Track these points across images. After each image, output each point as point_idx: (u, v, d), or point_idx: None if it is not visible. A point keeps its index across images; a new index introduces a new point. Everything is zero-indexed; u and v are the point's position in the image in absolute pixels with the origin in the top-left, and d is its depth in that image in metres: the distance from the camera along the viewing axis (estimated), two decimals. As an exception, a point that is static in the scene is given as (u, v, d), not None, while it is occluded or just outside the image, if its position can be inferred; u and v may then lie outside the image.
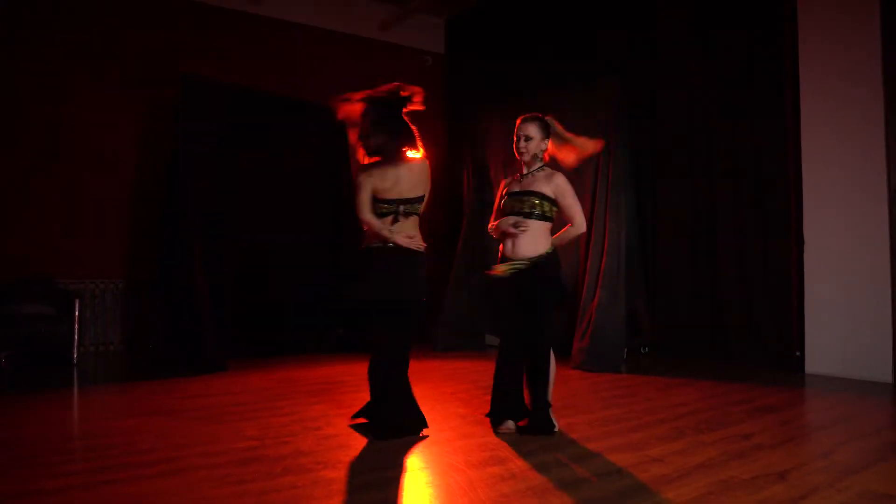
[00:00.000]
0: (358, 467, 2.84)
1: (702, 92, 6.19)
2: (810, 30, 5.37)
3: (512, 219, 3.41)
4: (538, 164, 3.51)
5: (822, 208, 5.28)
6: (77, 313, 5.94)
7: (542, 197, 3.41)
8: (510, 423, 3.36)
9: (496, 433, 3.34)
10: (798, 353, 5.45)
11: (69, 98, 6.62)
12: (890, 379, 4.86)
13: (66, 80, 6.62)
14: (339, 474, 2.74)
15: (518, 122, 3.52)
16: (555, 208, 3.45)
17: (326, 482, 2.63)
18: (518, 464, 2.84)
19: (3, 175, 6.32)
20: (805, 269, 5.37)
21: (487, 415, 3.50)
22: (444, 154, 8.13)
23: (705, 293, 6.16)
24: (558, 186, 3.43)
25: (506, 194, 3.56)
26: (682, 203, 6.33)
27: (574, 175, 6.26)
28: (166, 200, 6.33)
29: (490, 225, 3.61)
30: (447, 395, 4.42)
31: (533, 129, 3.47)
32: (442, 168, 8.08)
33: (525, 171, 3.54)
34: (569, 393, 4.51)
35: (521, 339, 3.39)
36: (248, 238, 6.81)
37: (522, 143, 3.48)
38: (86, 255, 6.67)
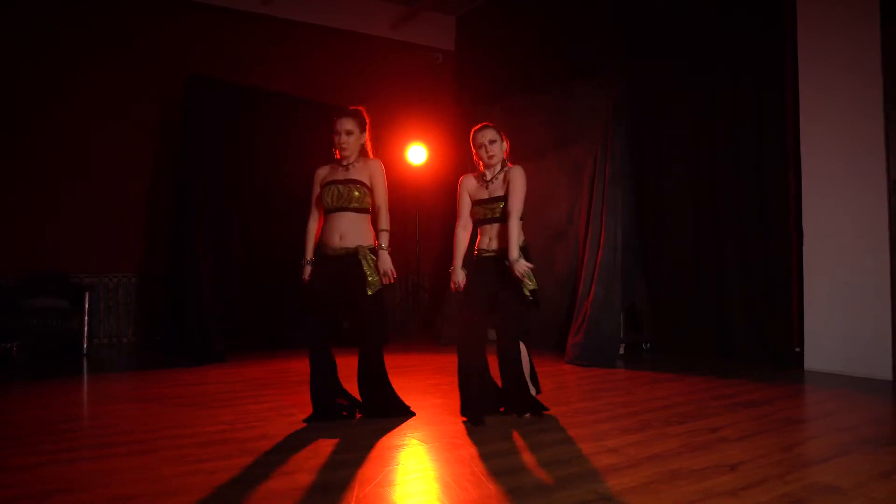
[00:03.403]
0: (316, 450, 2.91)
1: (702, 88, 6.12)
2: (809, 22, 5.28)
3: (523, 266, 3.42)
4: (499, 168, 3.60)
5: (821, 202, 5.18)
6: (87, 306, 6.16)
7: (505, 199, 3.52)
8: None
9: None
10: (798, 350, 5.36)
11: (84, 98, 6.88)
12: (889, 376, 4.74)
13: (82, 80, 6.87)
14: (293, 456, 2.82)
15: (475, 131, 3.58)
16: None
17: (278, 463, 2.72)
18: (470, 451, 2.89)
19: (21, 174, 6.61)
20: (804, 264, 5.28)
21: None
22: (452, 150, 8.19)
23: (707, 288, 6.08)
24: (514, 177, 3.50)
25: (475, 202, 3.62)
26: (683, 199, 6.26)
27: (574, 171, 6.37)
28: (174, 197, 6.53)
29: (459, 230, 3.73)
30: (430, 386, 4.48)
31: (494, 133, 3.56)
32: (450, 164, 8.15)
33: (489, 177, 3.60)
34: (553, 386, 4.52)
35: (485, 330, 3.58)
36: (255, 235, 6.93)
37: (489, 148, 3.54)
38: (101, 250, 6.92)
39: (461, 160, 7.87)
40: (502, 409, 3.60)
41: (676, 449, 2.94)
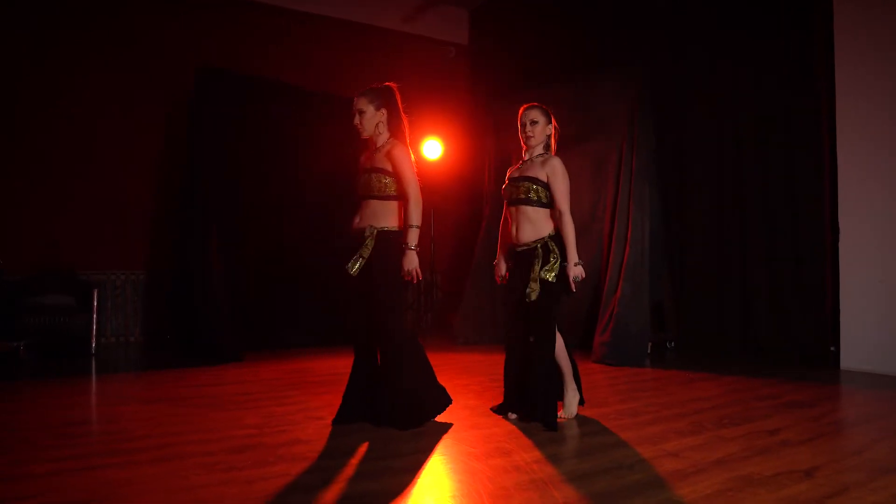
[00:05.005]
0: (358, 456, 2.72)
1: (729, 81, 5.93)
2: (845, 18, 5.09)
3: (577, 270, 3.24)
4: (540, 150, 3.43)
5: (858, 200, 4.99)
6: (95, 304, 5.94)
7: (537, 182, 3.30)
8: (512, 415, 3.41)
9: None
10: (833, 349, 5.18)
11: (90, 95, 6.66)
12: (932, 376, 4.57)
13: (88, 78, 6.65)
14: (335, 463, 2.62)
15: (521, 110, 3.44)
16: (549, 193, 3.31)
17: (321, 470, 2.52)
18: (524, 456, 2.69)
19: (28, 171, 6.38)
20: (840, 261, 5.09)
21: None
22: (468, 145, 8.00)
23: (733, 287, 5.89)
24: (553, 168, 3.30)
25: (507, 180, 3.49)
26: (707, 196, 6.07)
27: (597, 165, 6.17)
28: (183, 193, 6.31)
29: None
30: (459, 387, 4.28)
31: (538, 114, 3.39)
32: (465, 159, 7.96)
33: (526, 158, 3.45)
34: (586, 387, 4.27)
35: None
36: (268, 231, 6.71)
37: (529, 128, 3.39)
38: (108, 246, 6.70)
39: (477, 155, 7.69)
40: (511, 415, 3.39)
41: (739, 453, 2.75)
